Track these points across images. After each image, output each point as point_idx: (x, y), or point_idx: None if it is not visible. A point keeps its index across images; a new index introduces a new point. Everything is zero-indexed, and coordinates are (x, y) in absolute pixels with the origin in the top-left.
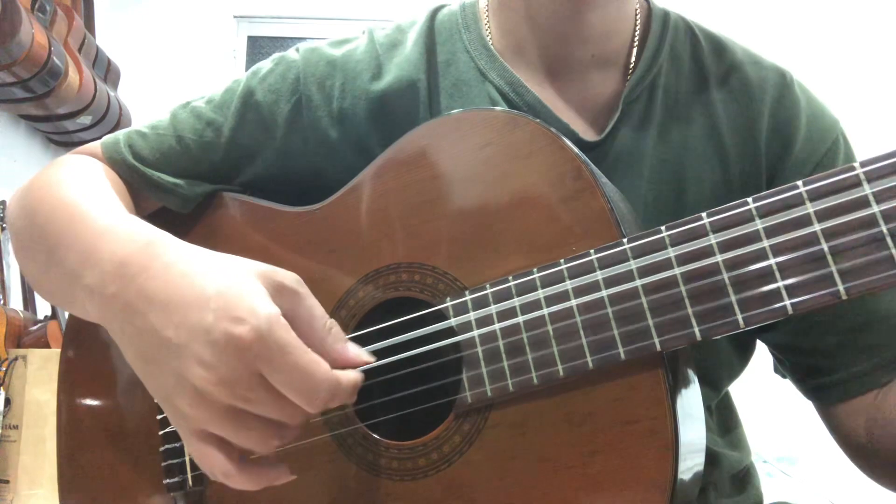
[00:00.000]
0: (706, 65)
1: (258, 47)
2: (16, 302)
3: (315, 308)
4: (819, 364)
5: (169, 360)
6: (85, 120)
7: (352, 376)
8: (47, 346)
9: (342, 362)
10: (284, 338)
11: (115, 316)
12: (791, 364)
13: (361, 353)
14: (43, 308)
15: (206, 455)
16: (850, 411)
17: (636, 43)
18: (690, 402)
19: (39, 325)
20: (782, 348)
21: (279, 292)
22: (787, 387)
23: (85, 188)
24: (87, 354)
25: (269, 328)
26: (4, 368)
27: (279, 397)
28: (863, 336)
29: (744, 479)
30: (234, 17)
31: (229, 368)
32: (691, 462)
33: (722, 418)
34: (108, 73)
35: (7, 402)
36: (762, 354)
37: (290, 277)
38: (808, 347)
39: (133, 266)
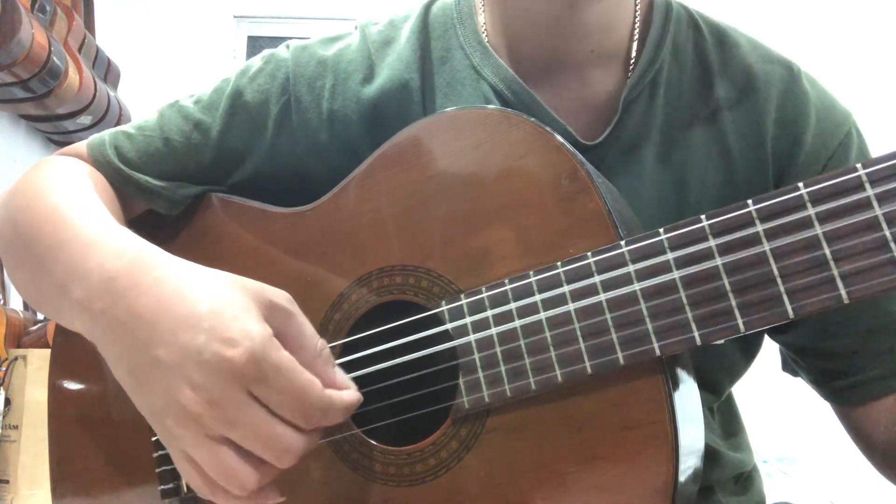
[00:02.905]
0: (710, 58)
1: (258, 47)
2: (16, 302)
3: (305, 327)
4: (836, 367)
5: (158, 378)
6: (85, 120)
7: (346, 397)
8: (47, 346)
9: (329, 386)
10: (278, 359)
11: (104, 332)
12: (807, 366)
13: (348, 382)
14: None
15: (193, 475)
16: (869, 414)
17: (636, 37)
18: (690, 405)
19: (39, 325)
20: (798, 350)
21: (270, 311)
22: (787, 387)
23: (71, 195)
24: (78, 358)
25: (262, 350)
26: (4, 368)
27: (266, 424)
28: (880, 339)
29: (747, 481)
30: (234, 17)
31: (219, 390)
32: (690, 462)
33: (725, 421)
34: (108, 73)
35: (7, 402)
36: (763, 354)
37: (281, 296)
38: (824, 350)
39: (121, 281)
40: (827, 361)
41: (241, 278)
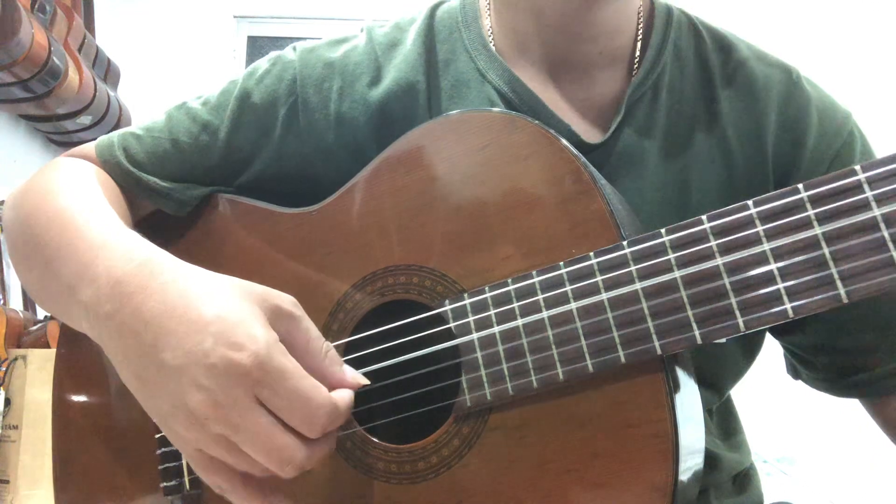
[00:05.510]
0: (710, 62)
1: (258, 47)
2: (16, 302)
3: (311, 331)
4: (858, 361)
5: (166, 382)
6: (85, 120)
7: (346, 397)
8: (47, 346)
9: (339, 385)
10: (283, 364)
11: (111, 335)
12: (824, 364)
13: (358, 376)
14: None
15: (207, 472)
16: None
17: (639, 40)
18: (690, 404)
19: (39, 325)
20: (814, 349)
21: (276, 316)
22: (787, 387)
23: (79, 197)
24: (83, 355)
25: (268, 354)
26: (4, 368)
27: (268, 430)
28: None
29: (744, 480)
30: (234, 17)
31: (225, 393)
32: (691, 462)
33: (723, 422)
34: (108, 73)
35: (7, 402)
36: (763, 355)
37: (286, 300)
38: (845, 346)
39: (129, 285)
40: (845, 358)
41: (247, 283)
